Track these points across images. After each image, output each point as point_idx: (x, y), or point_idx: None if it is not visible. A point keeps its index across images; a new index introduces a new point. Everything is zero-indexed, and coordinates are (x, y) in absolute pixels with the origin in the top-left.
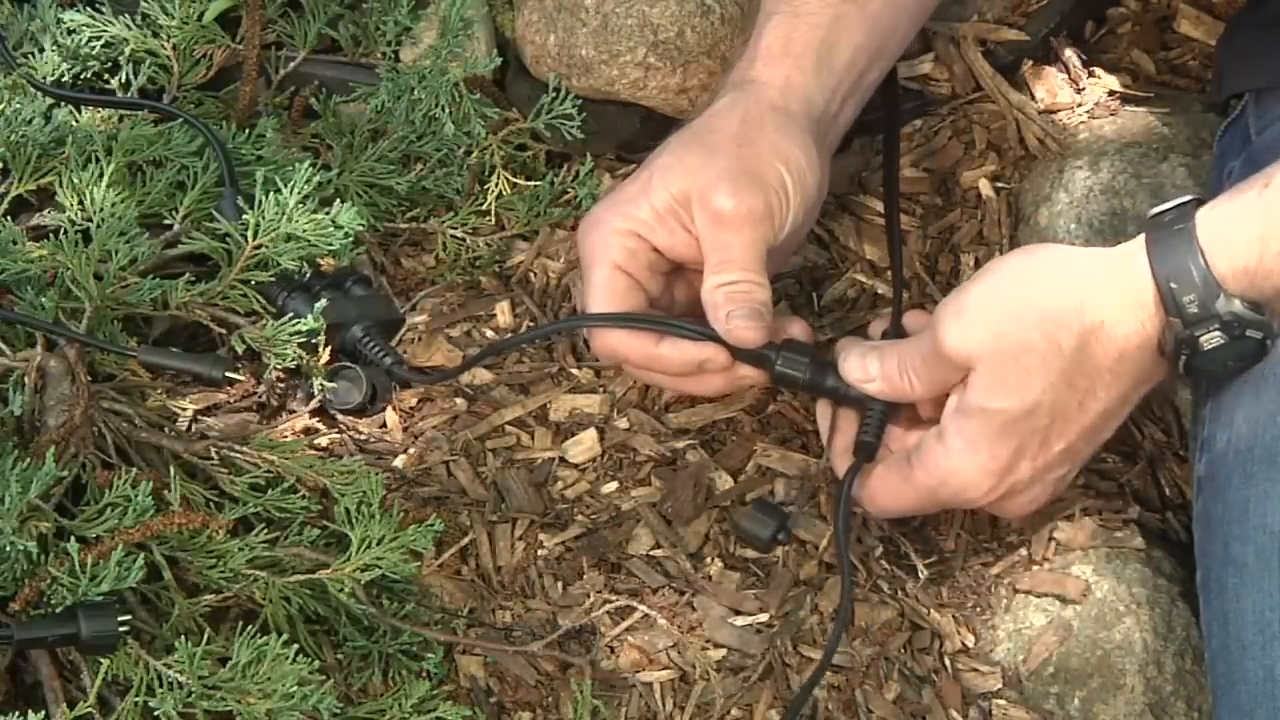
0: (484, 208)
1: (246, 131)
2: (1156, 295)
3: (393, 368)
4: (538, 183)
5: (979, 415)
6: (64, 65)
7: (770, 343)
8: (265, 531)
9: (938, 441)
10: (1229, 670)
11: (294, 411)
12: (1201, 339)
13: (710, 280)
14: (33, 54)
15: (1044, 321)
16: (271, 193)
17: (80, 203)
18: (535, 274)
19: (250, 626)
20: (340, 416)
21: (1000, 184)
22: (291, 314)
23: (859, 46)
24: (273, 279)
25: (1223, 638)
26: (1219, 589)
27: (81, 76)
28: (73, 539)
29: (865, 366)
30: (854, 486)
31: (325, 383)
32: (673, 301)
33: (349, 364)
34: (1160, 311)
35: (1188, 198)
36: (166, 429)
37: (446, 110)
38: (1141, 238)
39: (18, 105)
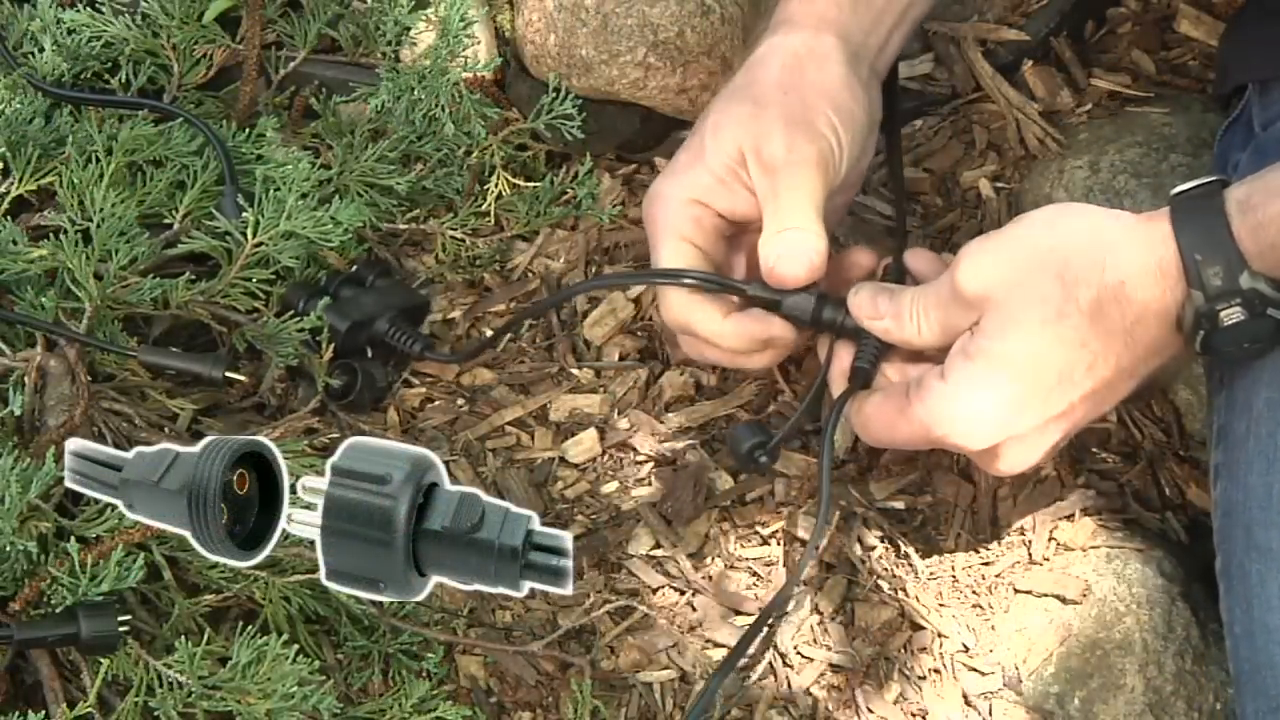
0: (484, 208)
1: (246, 131)
2: (1179, 266)
3: (424, 352)
4: (537, 183)
5: (987, 360)
6: (64, 65)
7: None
8: None
9: (940, 381)
10: (1253, 656)
11: (294, 411)
12: (1222, 314)
13: (766, 230)
14: (33, 54)
15: (1064, 273)
16: (271, 190)
17: (80, 203)
18: (535, 274)
19: (250, 626)
20: (342, 415)
21: (1000, 184)
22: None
23: None
24: (291, 286)
25: (1246, 624)
26: (1241, 575)
27: (81, 76)
28: (73, 539)
29: (875, 304)
30: (850, 413)
31: (329, 380)
32: (732, 267)
33: (346, 360)
34: (1182, 283)
35: (1212, 178)
36: (166, 429)
37: (446, 110)
38: (1166, 209)
39: (18, 105)
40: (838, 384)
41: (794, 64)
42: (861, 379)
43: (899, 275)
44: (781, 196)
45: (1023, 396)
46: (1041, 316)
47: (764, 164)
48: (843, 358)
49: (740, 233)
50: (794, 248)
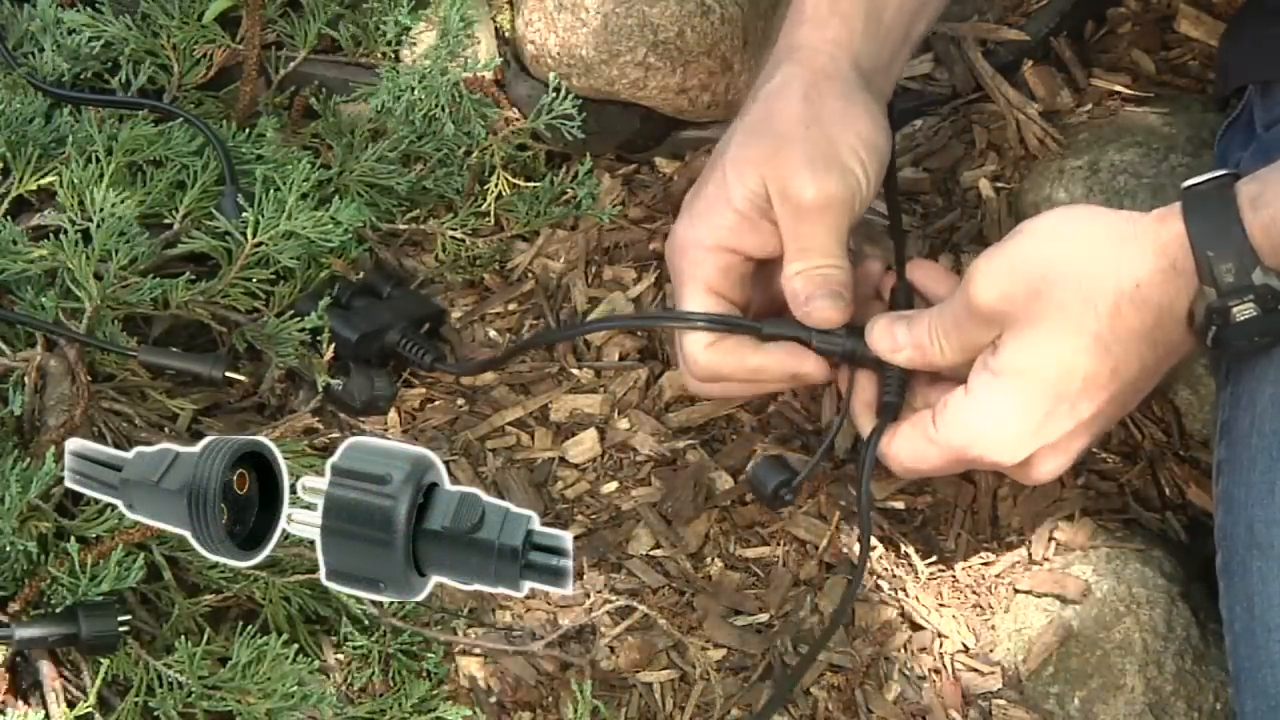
0: (484, 208)
1: (246, 131)
2: (1192, 263)
3: (434, 364)
4: (537, 183)
5: (1011, 376)
6: (64, 65)
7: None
8: None
9: (966, 401)
10: (1253, 654)
11: (294, 411)
12: (1234, 310)
13: (790, 268)
14: (33, 54)
15: (1080, 281)
16: (271, 190)
17: (80, 203)
18: (535, 274)
19: (250, 626)
20: (343, 417)
21: (1000, 184)
22: (329, 330)
23: (903, 2)
24: (305, 297)
25: (1246, 621)
26: (1242, 572)
27: (81, 76)
28: (73, 539)
29: (894, 336)
30: (876, 446)
31: (330, 380)
32: (752, 302)
33: (343, 361)
34: (1194, 280)
35: (1223, 172)
36: (166, 429)
37: (446, 110)
38: (1177, 205)
39: (18, 105)
40: (862, 416)
41: (814, 95)
42: (891, 413)
43: (906, 296)
44: (807, 236)
45: (1051, 406)
46: (1062, 326)
47: (791, 205)
48: (864, 388)
49: (758, 269)
50: (825, 289)
